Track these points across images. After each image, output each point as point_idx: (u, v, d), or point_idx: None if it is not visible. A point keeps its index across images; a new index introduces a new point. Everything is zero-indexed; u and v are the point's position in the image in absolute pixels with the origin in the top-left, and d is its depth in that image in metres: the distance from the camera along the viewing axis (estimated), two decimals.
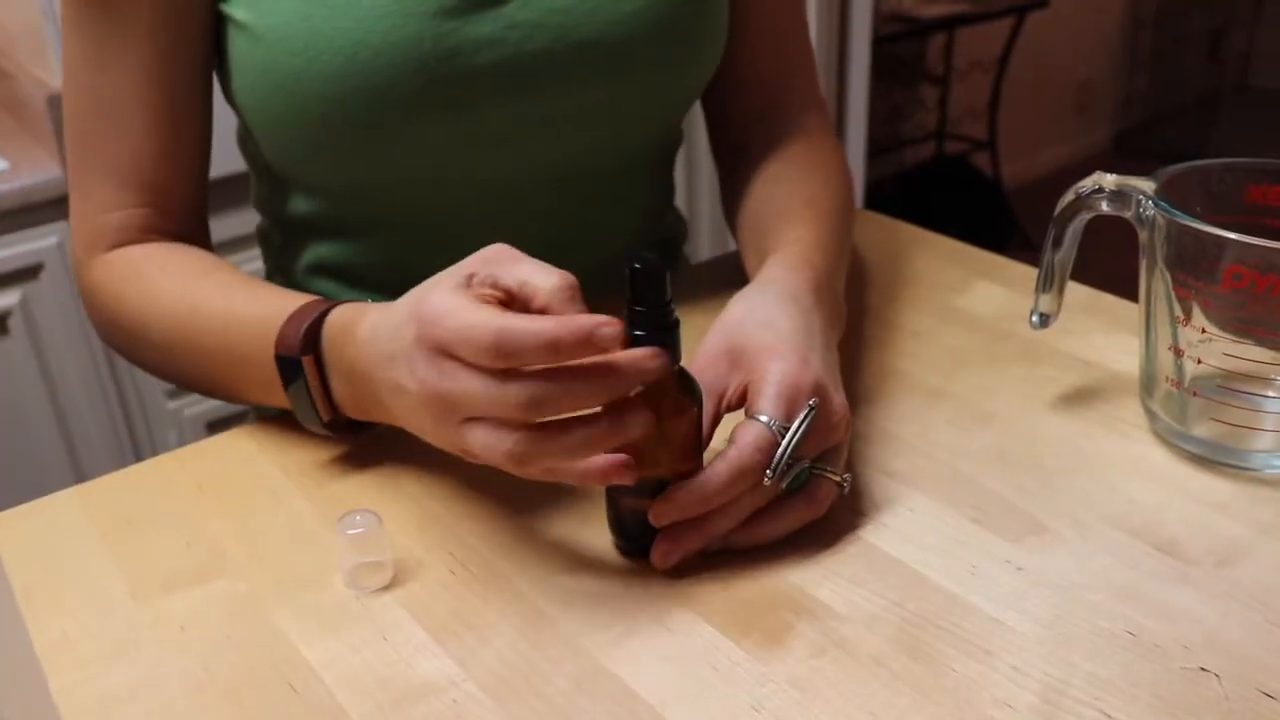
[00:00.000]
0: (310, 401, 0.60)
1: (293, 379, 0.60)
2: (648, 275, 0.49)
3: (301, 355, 0.59)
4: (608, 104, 0.71)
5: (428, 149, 0.69)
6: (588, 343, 0.46)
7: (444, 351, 0.49)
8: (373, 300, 0.59)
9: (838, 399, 0.56)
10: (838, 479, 0.55)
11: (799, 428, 0.53)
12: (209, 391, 0.69)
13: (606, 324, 0.46)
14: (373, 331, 0.55)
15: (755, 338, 0.57)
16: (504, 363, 0.47)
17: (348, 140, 0.67)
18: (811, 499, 0.55)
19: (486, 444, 0.49)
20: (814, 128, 0.81)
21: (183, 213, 0.72)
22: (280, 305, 0.61)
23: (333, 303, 0.61)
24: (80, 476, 1.61)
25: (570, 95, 0.70)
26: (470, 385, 0.48)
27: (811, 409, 0.54)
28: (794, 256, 0.65)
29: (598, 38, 0.69)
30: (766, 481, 0.52)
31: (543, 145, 0.72)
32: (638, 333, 0.49)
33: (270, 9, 0.65)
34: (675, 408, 0.52)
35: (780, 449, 0.53)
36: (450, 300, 0.49)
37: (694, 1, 0.72)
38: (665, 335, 0.50)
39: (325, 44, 0.64)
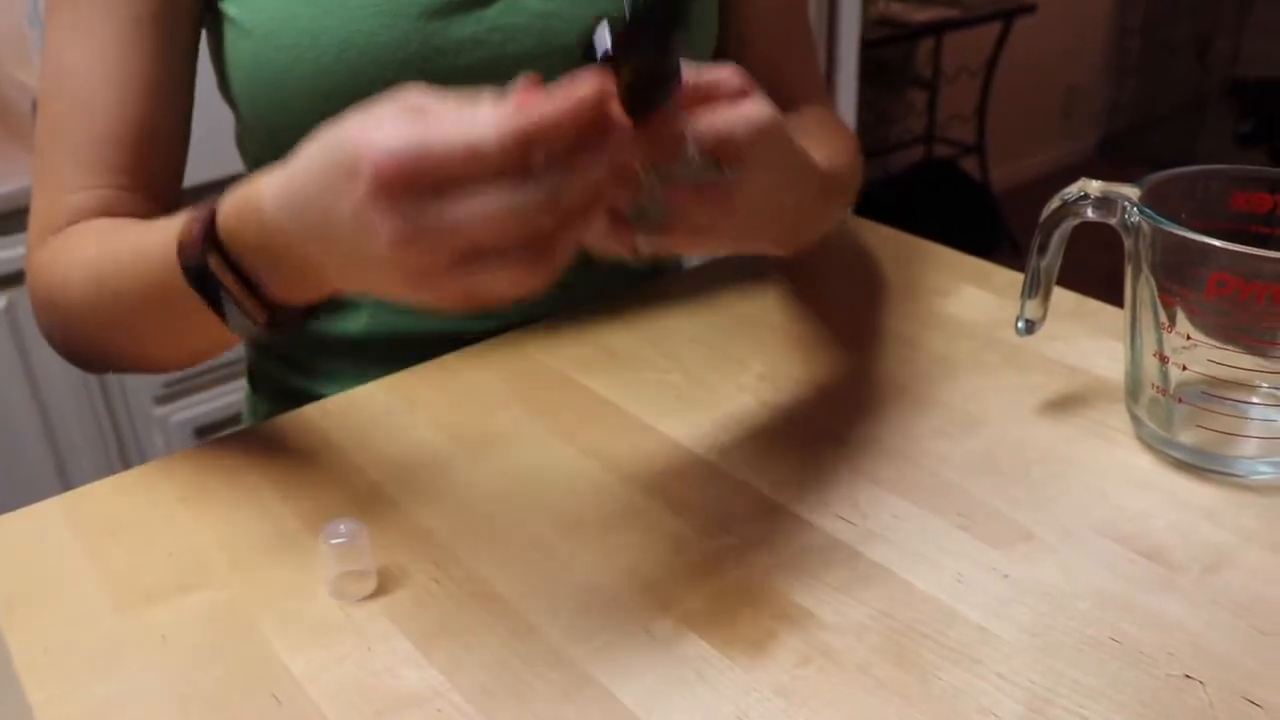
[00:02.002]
0: (238, 307, 0.53)
1: (211, 289, 0.53)
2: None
3: (206, 257, 0.52)
4: None
5: None
6: (604, 99, 0.42)
7: (415, 188, 0.42)
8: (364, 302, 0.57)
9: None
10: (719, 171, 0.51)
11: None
12: (151, 353, 0.64)
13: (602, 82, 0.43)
14: (285, 202, 0.49)
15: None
16: (516, 156, 0.42)
17: None
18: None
19: (503, 273, 0.43)
20: (822, 111, 0.82)
21: (150, 201, 0.69)
22: (182, 221, 0.55)
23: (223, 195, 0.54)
24: (66, 483, 1.60)
25: None
26: (470, 209, 0.42)
27: (719, 172, 0.50)
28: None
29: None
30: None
31: None
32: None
33: (260, 5, 0.66)
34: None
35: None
36: (399, 124, 0.43)
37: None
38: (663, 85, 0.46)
39: (312, 41, 0.64)
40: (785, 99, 0.81)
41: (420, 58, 0.65)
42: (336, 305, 0.57)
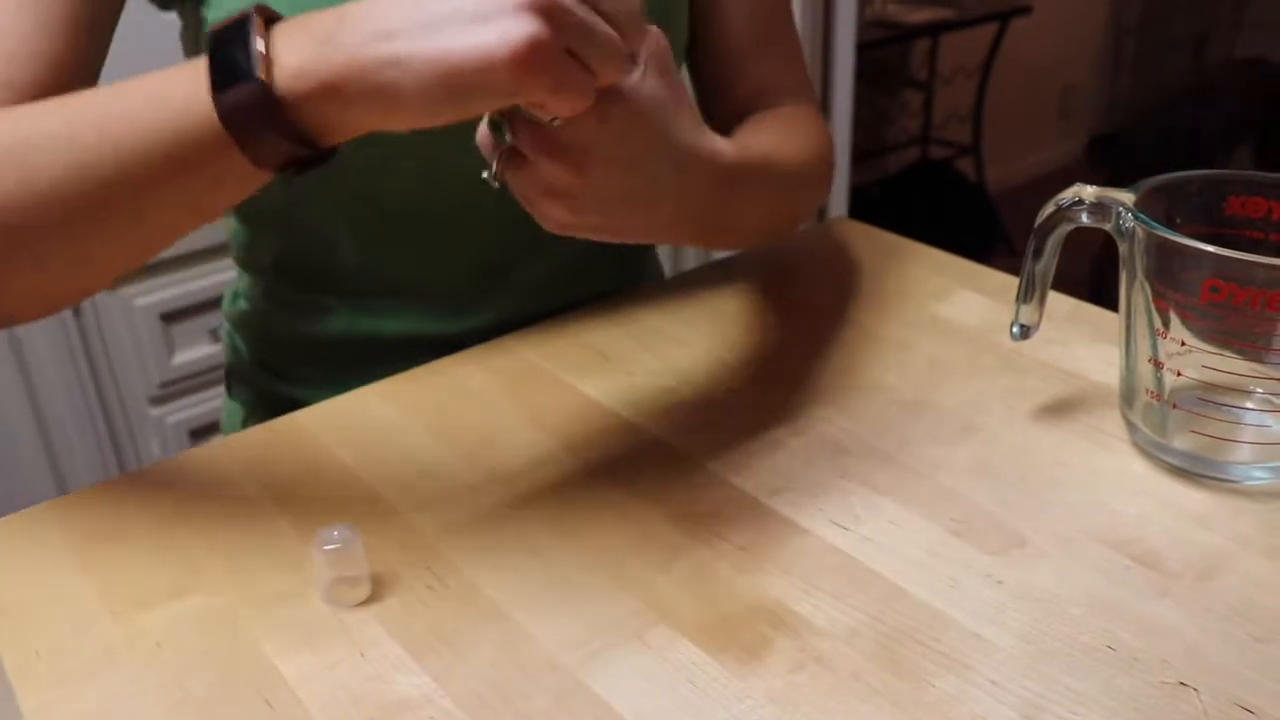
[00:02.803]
0: (248, 61, 0.48)
1: (227, 43, 0.49)
2: None
3: (250, 28, 0.49)
4: None
5: (384, 146, 0.68)
6: None
7: None
8: (340, 305, 0.56)
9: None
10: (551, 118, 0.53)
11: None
12: (116, 232, 0.55)
13: None
14: None
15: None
16: None
17: None
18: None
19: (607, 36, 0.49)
20: (801, 108, 0.81)
21: None
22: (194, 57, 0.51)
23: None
24: (62, 484, 1.60)
25: None
26: None
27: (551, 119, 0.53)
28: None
29: None
30: None
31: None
32: None
33: (235, 10, 0.65)
34: None
35: None
36: None
37: (655, 9, 0.71)
38: None
39: None
40: (766, 97, 0.81)
41: None
42: (317, 307, 0.55)
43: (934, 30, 3.07)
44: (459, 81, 0.47)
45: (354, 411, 0.69)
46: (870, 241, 0.91)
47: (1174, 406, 0.60)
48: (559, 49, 0.48)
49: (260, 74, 0.48)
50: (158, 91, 0.51)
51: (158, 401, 1.65)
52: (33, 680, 0.50)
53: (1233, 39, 4.19)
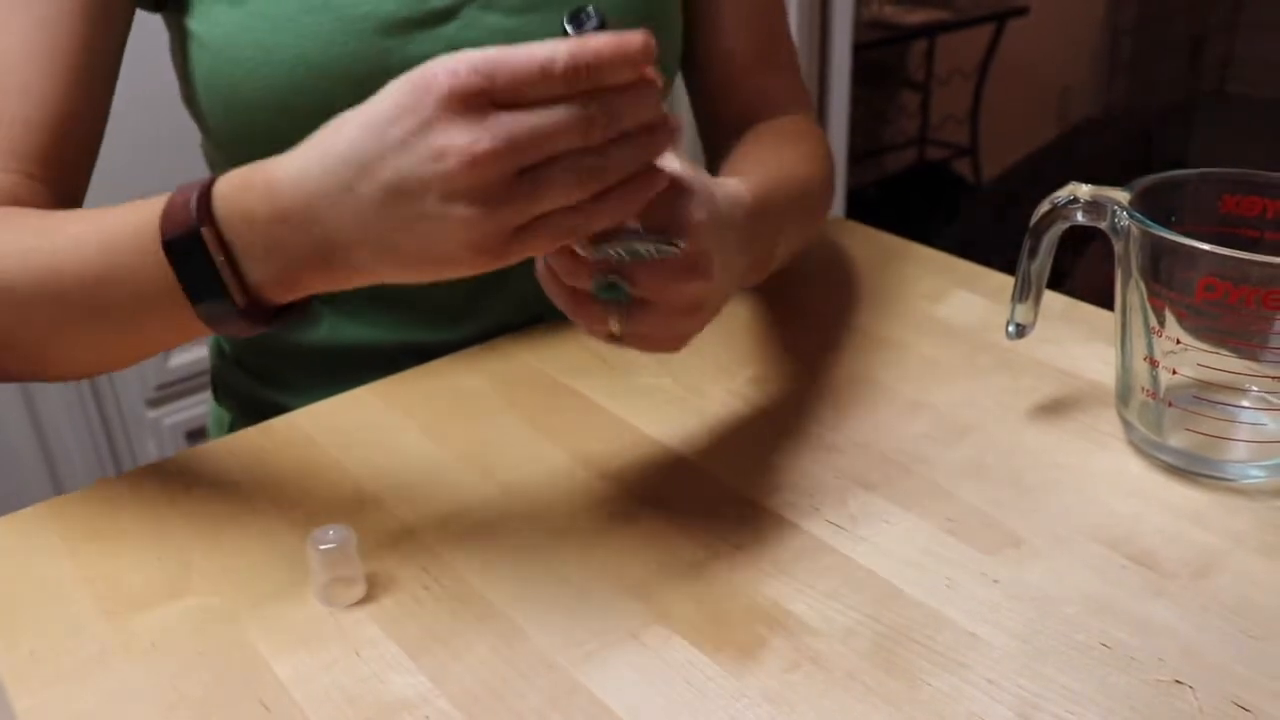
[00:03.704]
0: (220, 285, 0.51)
1: (192, 267, 0.51)
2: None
3: (199, 226, 0.50)
4: None
5: None
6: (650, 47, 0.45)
7: (487, 99, 0.44)
8: (324, 309, 0.57)
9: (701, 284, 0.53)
10: (672, 245, 0.51)
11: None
12: (97, 351, 0.59)
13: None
14: (314, 166, 0.48)
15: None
16: (584, 76, 0.44)
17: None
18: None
19: (566, 178, 0.45)
20: (800, 120, 0.81)
21: (58, 192, 0.65)
22: (155, 201, 0.53)
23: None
24: (58, 485, 1.60)
25: None
26: (540, 118, 0.44)
27: (673, 246, 0.51)
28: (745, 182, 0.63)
29: None
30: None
31: None
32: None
33: (217, 19, 0.65)
34: None
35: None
36: (470, 54, 0.45)
37: (645, 23, 0.71)
38: None
39: (265, 58, 0.64)
40: (762, 108, 0.81)
41: (376, 76, 0.64)
42: (299, 321, 0.56)
43: (931, 31, 3.08)
44: (429, 275, 0.48)
45: (349, 412, 0.69)
46: (867, 242, 0.91)
47: (1169, 405, 0.60)
48: (518, 220, 0.46)
49: (235, 297, 0.51)
50: (130, 272, 0.53)
51: (154, 403, 1.65)
52: (27, 680, 0.50)
53: (1229, 40, 4.20)
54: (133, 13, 0.67)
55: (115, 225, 0.54)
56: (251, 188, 0.50)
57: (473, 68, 0.44)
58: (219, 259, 0.50)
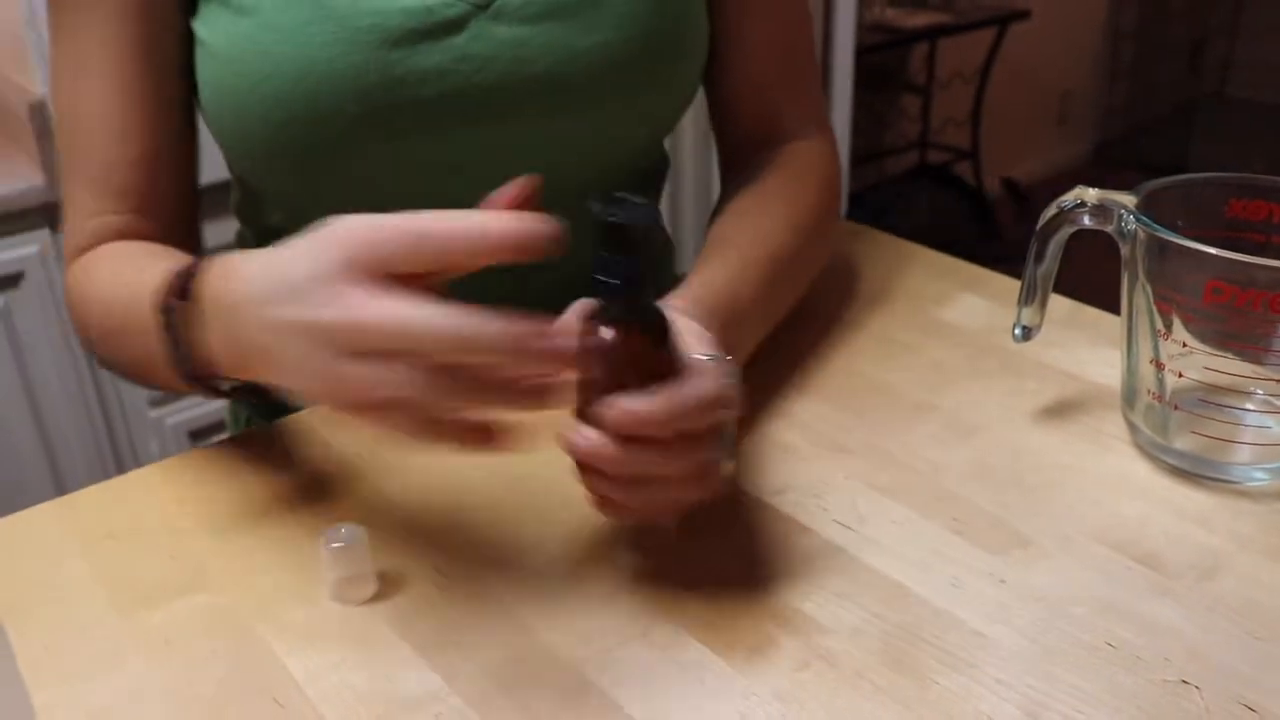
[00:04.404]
0: (175, 348, 0.57)
1: (170, 328, 0.57)
2: (622, 231, 0.45)
3: (178, 300, 0.56)
4: (567, 136, 0.70)
5: (377, 173, 0.68)
6: (555, 356, 0.47)
7: (382, 281, 0.47)
8: None
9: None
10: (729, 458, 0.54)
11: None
12: (146, 380, 0.66)
13: (563, 336, 0.47)
14: (260, 273, 0.51)
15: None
16: (459, 354, 0.47)
17: (293, 162, 0.67)
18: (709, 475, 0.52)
19: (383, 380, 0.47)
20: (809, 149, 0.80)
21: (165, 219, 0.71)
22: (169, 265, 0.59)
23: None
24: (60, 486, 1.60)
25: (525, 127, 0.69)
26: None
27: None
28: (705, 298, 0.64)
29: (554, 72, 0.67)
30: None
31: (502, 172, 0.70)
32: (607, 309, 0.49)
33: (224, 29, 0.65)
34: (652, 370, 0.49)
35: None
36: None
37: (659, 36, 0.70)
38: (639, 316, 0.49)
39: (272, 68, 0.64)
40: (778, 125, 0.80)
41: (382, 88, 0.64)
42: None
43: (932, 35, 3.08)
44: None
45: None
46: (872, 244, 0.91)
47: (1175, 408, 0.60)
48: (413, 396, 0.47)
49: (194, 366, 0.57)
50: (141, 327, 0.59)
51: (157, 403, 1.65)
52: (44, 676, 0.50)
53: (1229, 44, 4.20)
54: (184, 25, 0.68)
55: (144, 285, 0.59)
56: (224, 276, 0.54)
57: (374, 252, 0.47)
58: (183, 331, 0.56)
